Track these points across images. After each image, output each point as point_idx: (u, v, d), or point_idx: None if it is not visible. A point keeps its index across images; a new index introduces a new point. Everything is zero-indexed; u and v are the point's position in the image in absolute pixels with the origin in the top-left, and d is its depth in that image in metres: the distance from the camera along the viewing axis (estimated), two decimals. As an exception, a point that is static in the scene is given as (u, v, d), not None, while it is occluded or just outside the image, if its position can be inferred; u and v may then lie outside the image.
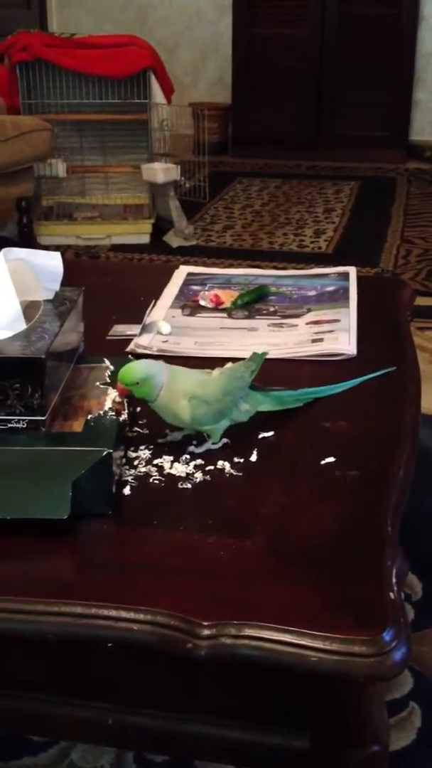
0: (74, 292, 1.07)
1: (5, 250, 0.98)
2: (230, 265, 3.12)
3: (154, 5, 5.25)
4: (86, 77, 3.47)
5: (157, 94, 3.54)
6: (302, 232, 3.67)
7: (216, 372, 0.98)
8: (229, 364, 1.00)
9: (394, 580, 0.75)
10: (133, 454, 0.95)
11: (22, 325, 0.94)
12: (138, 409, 1.00)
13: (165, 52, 4.05)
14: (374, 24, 4.85)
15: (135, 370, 0.92)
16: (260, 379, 1.02)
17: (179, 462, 0.93)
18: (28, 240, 3.23)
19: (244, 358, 1.03)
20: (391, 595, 0.73)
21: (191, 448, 0.95)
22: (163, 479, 0.90)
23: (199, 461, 0.93)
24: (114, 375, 1.02)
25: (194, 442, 0.96)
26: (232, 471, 0.92)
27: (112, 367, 1.04)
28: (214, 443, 0.96)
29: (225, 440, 0.97)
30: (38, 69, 3.43)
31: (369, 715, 0.75)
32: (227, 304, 1.39)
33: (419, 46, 4.92)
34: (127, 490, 0.88)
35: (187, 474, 0.91)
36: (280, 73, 5.00)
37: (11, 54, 3.43)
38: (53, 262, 1.04)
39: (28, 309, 0.98)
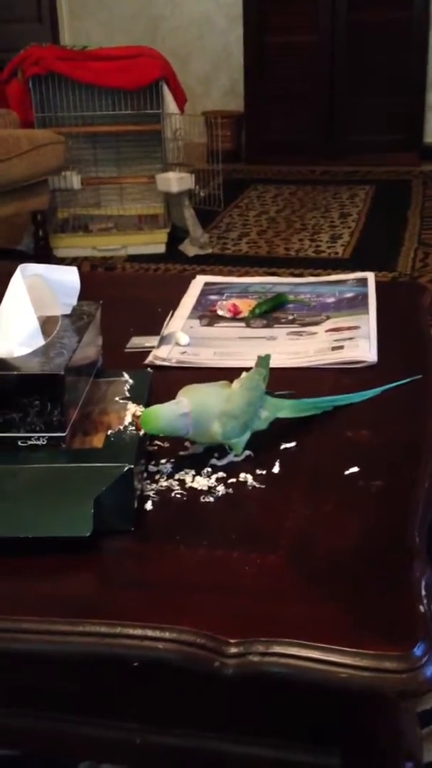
0: (92, 306, 1.07)
1: (22, 266, 0.98)
2: (246, 273, 3.11)
3: (166, 16, 5.27)
4: (99, 89, 3.48)
5: (170, 104, 3.54)
6: (318, 238, 3.66)
7: (236, 384, 0.97)
8: (244, 374, 0.99)
9: (423, 592, 0.73)
10: (154, 468, 0.94)
11: (40, 341, 0.94)
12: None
13: (177, 62, 4.06)
14: (385, 28, 4.85)
15: (153, 422, 0.89)
16: (282, 388, 1.01)
17: (201, 475, 0.92)
18: (44, 253, 3.24)
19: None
20: (421, 608, 0.71)
21: (213, 461, 0.94)
22: (185, 493, 0.89)
23: (221, 474, 0.92)
24: (134, 389, 1.02)
25: (216, 455, 0.95)
26: (254, 483, 0.91)
27: (131, 381, 1.04)
28: (236, 455, 0.95)
29: (248, 452, 0.96)
30: (51, 82, 3.44)
31: (401, 731, 0.73)
32: (245, 314, 1.38)
33: (431, 48, 4.90)
34: (149, 506, 0.87)
35: (210, 487, 0.90)
36: (292, 80, 5.00)
37: (24, 68, 3.45)
38: (70, 277, 1.04)
39: (46, 324, 0.98)
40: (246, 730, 0.77)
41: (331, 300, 1.42)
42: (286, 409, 1.01)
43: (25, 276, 0.96)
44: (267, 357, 1.03)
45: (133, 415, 0.95)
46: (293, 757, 0.76)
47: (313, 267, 3.24)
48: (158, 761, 0.83)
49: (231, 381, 0.98)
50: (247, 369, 1.03)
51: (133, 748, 0.80)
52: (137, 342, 1.28)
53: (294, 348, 1.25)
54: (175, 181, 3.40)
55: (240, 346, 1.26)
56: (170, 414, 0.90)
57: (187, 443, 0.97)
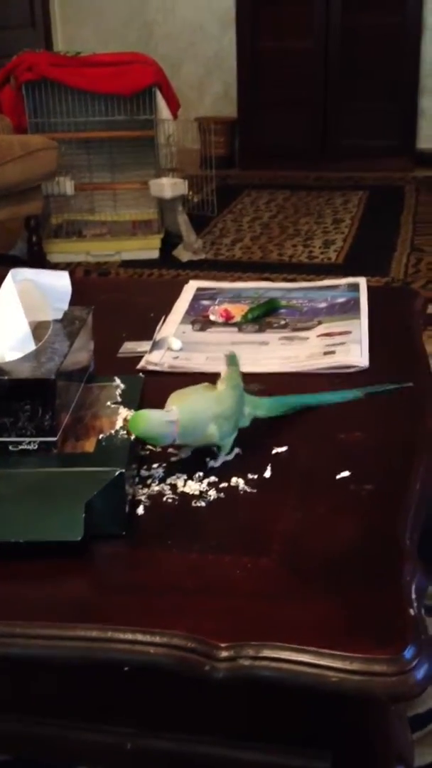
0: (83, 311, 1.07)
1: (13, 271, 0.98)
2: (240, 278, 3.12)
3: (158, 22, 5.28)
4: (92, 95, 3.48)
5: (163, 110, 3.55)
6: (311, 244, 3.66)
7: (221, 385, 0.98)
8: (223, 374, 1.00)
9: (413, 595, 0.73)
10: (146, 473, 0.94)
11: (31, 346, 0.94)
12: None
13: (170, 68, 4.07)
14: (378, 33, 4.86)
15: (140, 426, 0.89)
16: (275, 393, 1.02)
17: (192, 480, 0.92)
18: (37, 258, 3.24)
19: (256, 373, 1.03)
20: (412, 611, 0.71)
21: (212, 463, 0.94)
22: (176, 498, 0.89)
23: (212, 478, 0.92)
24: (126, 394, 1.02)
25: (207, 458, 0.95)
26: (246, 488, 0.91)
27: (122, 386, 1.04)
28: (227, 454, 0.96)
29: (237, 450, 0.96)
30: (44, 88, 3.44)
31: (392, 735, 0.74)
32: (237, 319, 1.38)
33: (423, 54, 4.92)
34: (140, 510, 0.87)
35: (201, 492, 0.90)
36: (285, 85, 5.01)
37: (17, 74, 3.45)
38: (61, 282, 1.04)
39: (38, 329, 0.98)
40: (237, 734, 0.77)
41: (323, 305, 1.43)
42: (261, 407, 1.02)
43: (16, 281, 0.96)
44: (234, 355, 1.04)
45: (125, 420, 0.95)
46: (284, 761, 0.76)
47: (307, 272, 3.25)
48: (150, 765, 0.83)
49: (213, 383, 0.98)
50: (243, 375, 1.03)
51: (124, 753, 0.80)
52: (129, 347, 1.28)
53: (286, 353, 1.25)
54: (169, 186, 3.40)
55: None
56: (158, 420, 0.90)
57: (171, 449, 0.97)
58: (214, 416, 0.92)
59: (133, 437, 0.91)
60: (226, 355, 1.04)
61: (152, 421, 0.90)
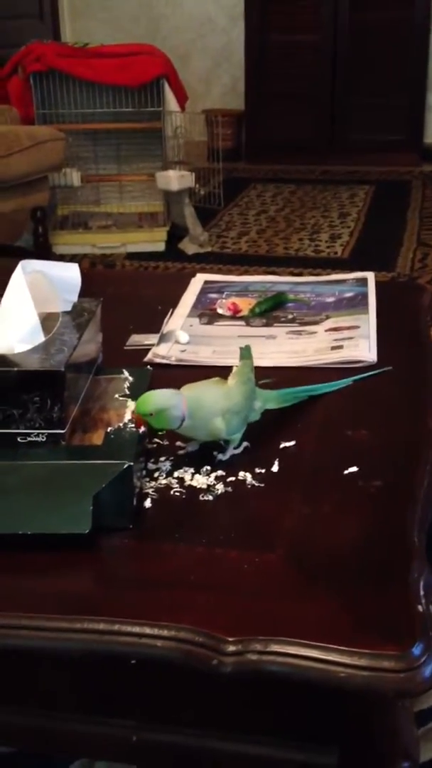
0: (92, 303, 1.07)
1: (23, 262, 0.98)
2: (246, 272, 3.11)
3: (167, 15, 5.26)
4: (100, 86, 3.47)
5: (171, 102, 3.54)
6: (318, 237, 3.66)
7: (231, 380, 0.98)
8: (235, 369, 1.00)
9: (422, 592, 0.73)
10: (153, 466, 0.94)
11: (40, 338, 0.94)
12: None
13: (178, 61, 4.06)
14: (386, 28, 4.84)
15: (148, 402, 0.89)
16: (282, 387, 1.02)
17: (200, 473, 0.92)
18: (43, 250, 3.24)
19: (263, 367, 1.03)
20: (420, 607, 0.71)
21: (220, 457, 0.94)
22: (184, 491, 0.89)
23: (220, 472, 0.92)
24: (134, 386, 1.02)
25: (215, 452, 0.95)
26: (253, 482, 0.91)
27: (131, 378, 1.04)
28: (235, 448, 0.96)
29: (246, 444, 0.96)
30: (52, 79, 3.44)
31: (398, 731, 0.73)
32: (245, 312, 1.38)
33: (432, 49, 4.91)
34: (148, 503, 0.87)
35: (209, 486, 0.90)
36: (293, 79, 4.99)
37: (25, 64, 3.44)
38: (71, 274, 1.04)
39: (47, 321, 0.98)
40: (243, 728, 0.77)
41: (330, 299, 1.42)
42: (273, 399, 1.03)
43: (26, 272, 0.96)
44: (248, 348, 1.04)
45: (133, 413, 0.94)
46: (290, 756, 0.76)
47: (312, 266, 3.24)
48: (154, 759, 0.83)
49: (225, 378, 0.98)
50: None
51: (129, 746, 0.79)
52: (137, 339, 1.28)
53: (294, 347, 1.25)
54: (176, 179, 3.39)
55: (239, 345, 1.26)
56: (165, 395, 0.90)
57: (178, 442, 0.97)
58: (221, 411, 0.92)
59: (141, 430, 0.91)
60: (240, 348, 1.04)
61: (160, 395, 0.90)
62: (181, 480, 0.91)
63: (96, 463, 0.85)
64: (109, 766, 1.10)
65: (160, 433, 0.99)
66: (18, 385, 0.87)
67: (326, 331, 1.30)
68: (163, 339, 1.27)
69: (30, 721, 0.83)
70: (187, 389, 0.93)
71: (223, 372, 1.01)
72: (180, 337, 1.27)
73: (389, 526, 0.83)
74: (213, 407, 0.92)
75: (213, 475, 0.92)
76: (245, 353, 1.03)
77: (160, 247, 3.52)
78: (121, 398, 0.99)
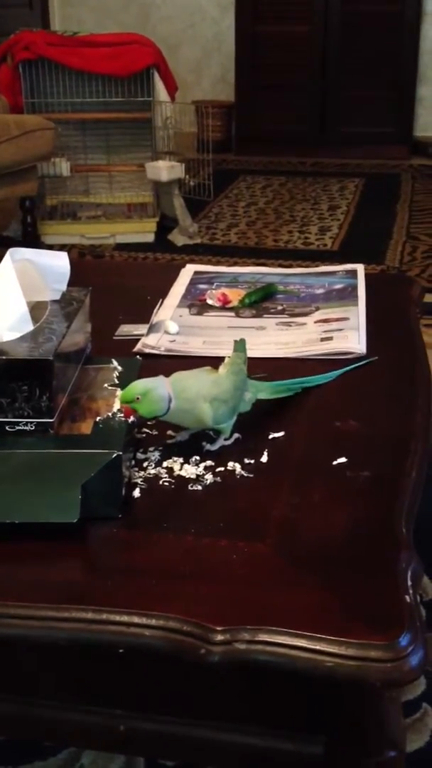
0: (81, 292, 1.06)
1: (12, 250, 0.97)
2: (235, 263, 3.11)
3: (157, 4, 5.23)
4: (89, 75, 3.45)
5: (161, 92, 3.52)
6: (307, 230, 3.65)
7: (222, 369, 0.98)
8: (226, 359, 1.00)
9: (409, 582, 0.73)
10: (142, 456, 0.94)
11: (29, 326, 0.93)
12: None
13: (168, 50, 4.04)
14: (377, 20, 4.83)
15: (132, 388, 0.90)
16: (271, 379, 1.01)
17: (189, 463, 0.92)
18: (32, 239, 3.22)
19: (252, 358, 1.03)
20: (407, 598, 0.71)
21: (208, 447, 0.94)
22: (173, 481, 0.89)
23: (209, 462, 0.92)
24: (123, 376, 1.01)
25: (204, 443, 0.95)
26: (242, 472, 0.91)
27: (120, 368, 1.03)
28: (226, 439, 0.95)
29: (237, 435, 0.96)
30: (41, 68, 3.41)
31: (385, 720, 0.74)
32: (235, 303, 1.37)
33: (422, 42, 4.90)
34: (136, 493, 0.87)
35: (198, 476, 0.90)
36: (284, 70, 4.98)
37: (14, 52, 3.42)
38: (60, 262, 1.03)
39: (35, 310, 0.97)
40: (231, 718, 0.77)
41: (320, 291, 1.42)
42: (265, 390, 1.03)
43: (14, 260, 0.96)
44: (243, 341, 1.04)
45: (122, 404, 0.94)
46: (277, 745, 0.76)
47: (302, 259, 3.24)
48: (142, 748, 0.83)
49: (216, 368, 0.98)
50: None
51: (117, 735, 0.79)
52: (126, 330, 1.27)
53: (283, 338, 1.25)
54: (165, 169, 3.38)
55: (229, 336, 1.26)
56: (150, 381, 0.90)
57: (169, 431, 0.97)
58: (209, 397, 0.92)
59: (130, 419, 0.91)
60: (235, 341, 1.03)
61: (142, 381, 0.90)
62: (170, 470, 0.91)
63: (84, 453, 0.84)
64: (97, 756, 1.10)
65: (149, 423, 0.99)
66: (6, 374, 0.86)
67: (316, 322, 1.30)
68: (152, 329, 1.27)
69: (19, 709, 0.83)
70: (176, 375, 0.93)
71: (213, 362, 1.01)
72: (169, 327, 1.27)
73: (377, 517, 0.83)
74: (200, 392, 0.92)
75: (202, 465, 0.92)
76: (239, 346, 1.03)
77: (150, 238, 3.51)
78: (110, 388, 0.99)
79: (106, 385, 1.00)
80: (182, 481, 0.89)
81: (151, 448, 0.95)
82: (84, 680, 0.79)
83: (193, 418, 0.93)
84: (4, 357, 0.88)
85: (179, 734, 0.79)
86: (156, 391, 0.90)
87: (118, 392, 0.97)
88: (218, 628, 0.69)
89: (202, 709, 0.78)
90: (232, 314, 1.35)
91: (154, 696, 0.78)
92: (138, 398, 0.89)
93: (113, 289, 1.45)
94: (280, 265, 2.98)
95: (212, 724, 0.78)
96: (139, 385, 0.90)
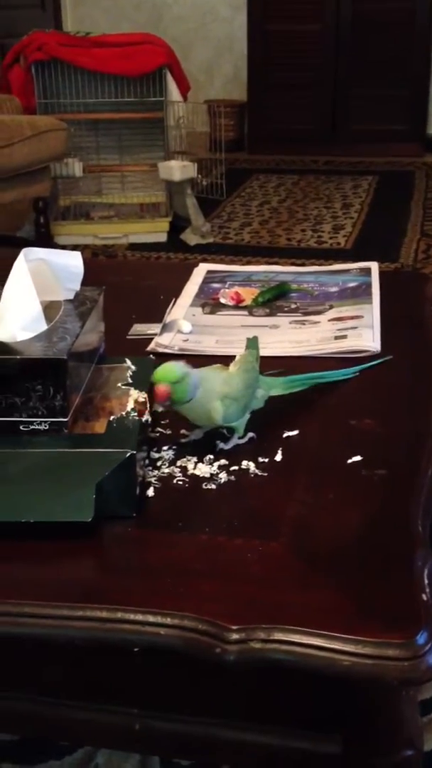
0: (95, 292, 1.06)
1: (26, 250, 0.97)
2: (248, 263, 3.10)
3: (169, 3, 5.24)
4: (102, 76, 3.46)
5: (173, 91, 3.52)
6: (320, 228, 3.65)
7: (233, 367, 0.97)
8: (237, 357, 1.00)
9: (426, 581, 0.73)
10: (156, 455, 0.93)
11: (43, 326, 0.93)
12: (160, 408, 0.99)
13: (180, 50, 4.04)
14: (389, 18, 4.82)
15: (174, 368, 0.90)
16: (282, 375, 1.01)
17: (203, 462, 0.92)
18: (45, 240, 3.23)
19: (266, 356, 1.03)
20: (424, 596, 0.71)
21: (221, 446, 0.94)
22: (187, 480, 0.89)
23: (223, 461, 0.92)
24: (136, 375, 1.01)
25: (217, 441, 0.95)
26: (257, 471, 0.90)
27: (133, 367, 1.03)
28: (240, 437, 0.95)
29: (251, 434, 0.96)
30: (54, 68, 3.42)
31: (402, 719, 0.73)
32: (248, 302, 1.37)
33: (436, 39, 4.88)
34: (150, 492, 0.87)
35: (212, 474, 0.90)
36: (296, 69, 4.97)
37: (27, 54, 3.43)
38: (73, 262, 1.03)
39: (49, 309, 0.97)
40: (247, 717, 0.77)
41: (334, 289, 1.42)
42: (278, 386, 1.02)
43: (28, 260, 0.96)
44: (255, 338, 1.04)
45: (136, 402, 0.94)
46: (294, 744, 0.76)
47: (315, 257, 3.23)
48: (158, 746, 0.83)
49: (227, 366, 0.98)
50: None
51: (132, 733, 0.79)
52: (139, 329, 1.27)
53: (297, 337, 1.25)
54: (178, 169, 3.38)
55: (242, 335, 1.25)
56: (181, 366, 0.90)
57: (182, 430, 0.97)
58: (220, 394, 0.92)
59: (144, 418, 0.91)
60: (248, 339, 1.03)
61: (177, 366, 0.90)
62: (183, 469, 0.91)
63: (99, 452, 0.84)
64: (112, 755, 1.10)
65: (162, 422, 0.98)
66: (20, 373, 0.86)
67: (330, 320, 1.29)
68: (165, 328, 1.26)
69: (33, 708, 0.83)
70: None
71: (226, 362, 1.00)
72: (183, 326, 1.27)
73: (393, 515, 0.83)
74: (212, 390, 0.92)
75: (216, 464, 0.92)
76: (252, 344, 1.02)
77: (162, 237, 3.51)
78: (123, 387, 0.99)
79: (119, 384, 0.99)
80: (196, 479, 0.89)
81: (164, 447, 0.95)
82: (99, 679, 0.79)
83: (203, 415, 0.93)
84: (18, 356, 0.88)
85: (195, 733, 0.79)
86: (191, 376, 0.90)
87: (132, 391, 0.97)
88: (233, 627, 0.68)
89: (218, 708, 0.78)
90: (246, 313, 1.34)
91: (170, 695, 0.78)
92: (178, 381, 0.89)
93: (126, 289, 1.45)
94: (293, 264, 2.98)
95: (228, 723, 0.78)
96: (177, 368, 0.90)
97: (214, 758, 0.83)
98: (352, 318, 1.29)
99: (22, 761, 1.10)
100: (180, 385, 0.90)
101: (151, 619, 0.70)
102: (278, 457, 0.93)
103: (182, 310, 1.35)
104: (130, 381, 1.00)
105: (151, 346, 1.21)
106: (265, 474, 0.90)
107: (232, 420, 0.94)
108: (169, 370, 0.90)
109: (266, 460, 0.92)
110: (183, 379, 0.90)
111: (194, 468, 0.91)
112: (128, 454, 0.83)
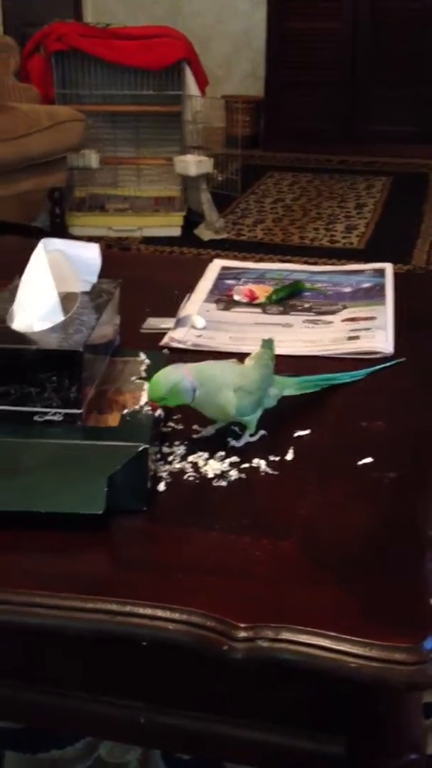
0: (111, 285, 1.06)
1: (44, 240, 0.98)
2: (261, 260, 3.10)
3: (188, -3, 5.24)
4: (121, 68, 3.46)
5: (191, 86, 3.52)
6: (333, 228, 3.64)
7: (248, 362, 0.98)
8: (253, 353, 1.00)
9: (434, 585, 0.73)
10: (168, 450, 0.94)
11: (60, 317, 0.93)
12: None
13: (198, 45, 4.03)
14: (407, 18, 4.81)
15: (158, 385, 0.89)
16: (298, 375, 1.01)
17: (214, 459, 0.92)
18: (59, 230, 3.24)
19: (279, 355, 1.03)
20: (432, 601, 0.71)
21: (233, 443, 0.94)
22: (197, 476, 0.89)
23: (234, 458, 0.92)
24: (150, 370, 1.01)
25: (229, 438, 0.95)
26: (267, 470, 0.90)
27: (147, 361, 1.03)
28: (251, 435, 0.95)
29: (262, 432, 0.96)
30: (73, 59, 3.43)
31: (407, 723, 0.73)
32: (262, 299, 1.37)
33: (455, 41, 4.86)
34: (161, 487, 0.87)
35: (223, 472, 0.90)
36: (313, 67, 4.96)
37: (47, 44, 3.43)
38: (91, 254, 1.03)
39: (66, 301, 0.97)
40: (251, 715, 0.77)
41: (348, 289, 1.42)
42: (291, 386, 1.02)
43: (47, 251, 0.96)
44: (270, 341, 1.04)
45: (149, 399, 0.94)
46: (298, 744, 0.76)
47: (328, 257, 3.23)
48: (161, 741, 0.84)
49: (242, 362, 0.98)
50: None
51: (137, 727, 0.80)
52: (153, 323, 1.27)
53: (310, 336, 1.25)
54: (194, 164, 3.38)
55: (256, 332, 1.26)
56: (168, 373, 0.89)
57: (195, 426, 0.97)
58: (233, 386, 0.92)
59: (157, 413, 0.91)
60: (263, 340, 1.03)
61: (164, 376, 0.89)
62: (195, 465, 0.91)
63: (111, 445, 0.84)
64: (114, 747, 1.10)
65: (175, 417, 0.99)
66: (36, 364, 0.87)
67: (343, 321, 1.29)
68: (179, 323, 1.26)
69: (36, 697, 0.83)
70: (202, 365, 0.93)
71: (239, 358, 1.00)
72: (196, 321, 1.27)
73: (402, 518, 0.83)
74: (225, 381, 0.92)
75: (227, 461, 0.92)
76: (267, 344, 1.02)
77: (176, 232, 3.52)
78: (137, 381, 0.99)
79: (133, 378, 1.00)
80: (207, 476, 0.89)
81: (176, 443, 0.95)
82: (105, 671, 0.80)
83: (216, 408, 0.93)
84: (34, 347, 0.88)
85: (199, 729, 0.79)
86: (180, 384, 0.90)
87: (146, 385, 0.97)
88: (241, 625, 0.69)
89: (223, 704, 0.78)
90: (259, 310, 1.34)
91: (175, 690, 0.78)
92: (166, 396, 0.89)
93: (140, 282, 1.44)
94: (306, 263, 2.98)
95: (233, 721, 0.78)
96: (162, 383, 0.89)
97: (218, 755, 0.83)
98: (365, 319, 1.29)
99: (24, 750, 1.10)
100: (170, 397, 0.89)
101: (160, 614, 0.70)
102: (289, 456, 0.93)
103: (196, 305, 1.35)
104: (144, 375, 1.00)
105: (165, 341, 1.21)
106: (276, 473, 0.90)
107: (246, 413, 0.94)
108: (154, 388, 0.89)
109: (277, 458, 0.92)
110: (173, 388, 0.89)
111: (205, 464, 0.91)
112: (141, 448, 0.83)
